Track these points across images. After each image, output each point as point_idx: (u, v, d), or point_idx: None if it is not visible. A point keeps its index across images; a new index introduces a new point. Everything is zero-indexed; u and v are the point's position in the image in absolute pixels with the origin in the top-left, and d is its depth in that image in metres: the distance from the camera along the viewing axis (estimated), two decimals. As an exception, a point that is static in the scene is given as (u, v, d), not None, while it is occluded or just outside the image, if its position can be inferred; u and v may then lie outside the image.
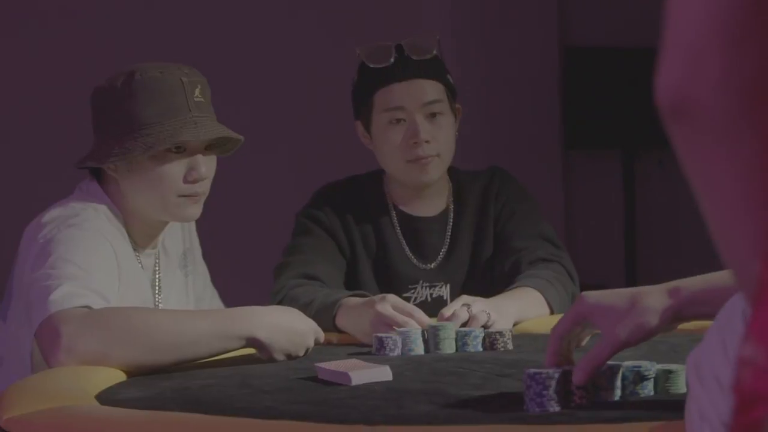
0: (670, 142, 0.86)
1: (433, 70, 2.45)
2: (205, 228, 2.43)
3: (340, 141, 4.73)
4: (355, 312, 2.17)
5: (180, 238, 2.34)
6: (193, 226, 2.38)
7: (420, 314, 2.10)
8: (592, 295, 1.56)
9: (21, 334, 2.05)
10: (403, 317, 2.08)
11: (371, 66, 2.44)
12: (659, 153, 5.35)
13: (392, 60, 2.42)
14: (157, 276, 2.27)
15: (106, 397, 1.69)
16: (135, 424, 1.47)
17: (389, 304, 2.11)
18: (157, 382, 1.82)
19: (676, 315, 1.52)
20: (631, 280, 5.34)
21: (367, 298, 2.19)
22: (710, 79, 0.82)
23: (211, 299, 2.44)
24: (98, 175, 2.21)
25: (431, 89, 2.44)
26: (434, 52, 2.44)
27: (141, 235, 2.22)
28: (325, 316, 2.20)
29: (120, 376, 1.85)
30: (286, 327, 1.97)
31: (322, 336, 2.05)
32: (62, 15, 4.54)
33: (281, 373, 1.86)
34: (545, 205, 2.65)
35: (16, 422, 1.53)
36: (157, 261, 2.27)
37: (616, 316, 1.52)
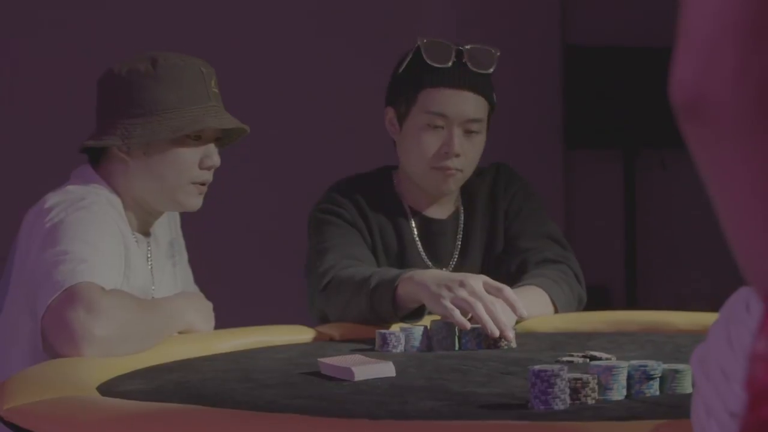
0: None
1: (484, 85, 2.39)
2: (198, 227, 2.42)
3: (331, 140, 4.72)
4: (430, 274, 2.13)
5: (167, 228, 2.34)
6: (177, 218, 2.38)
7: (508, 292, 2.07)
8: None
9: (20, 321, 2.03)
10: (462, 320, 2.02)
11: (428, 62, 2.36)
12: (660, 152, 5.34)
13: (449, 64, 2.37)
14: (149, 264, 2.27)
15: (108, 389, 1.68)
16: (136, 415, 1.46)
17: (481, 281, 2.07)
18: (159, 374, 1.81)
19: None
20: (631, 280, 5.34)
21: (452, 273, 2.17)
22: (726, 76, 0.81)
23: None
24: (94, 161, 2.21)
25: (477, 106, 2.38)
26: (492, 69, 2.39)
27: (138, 222, 2.22)
28: (387, 289, 2.15)
29: (121, 369, 1.84)
30: (204, 308, 2.17)
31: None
32: (59, 14, 4.52)
33: (283, 368, 1.85)
34: (546, 204, 2.63)
35: (16, 412, 1.52)
36: (149, 249, 2.27)
37: None
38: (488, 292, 2.06)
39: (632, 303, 5.18)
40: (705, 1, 0.82)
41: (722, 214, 0.85)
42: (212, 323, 2.17)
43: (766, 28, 0.80)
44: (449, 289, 2.05)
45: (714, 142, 0.82)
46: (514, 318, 2.13)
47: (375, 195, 2.47)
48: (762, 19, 0.80)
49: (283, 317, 2.34)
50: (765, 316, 0.75)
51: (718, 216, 0.86)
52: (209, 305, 2.19)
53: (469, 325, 2.02)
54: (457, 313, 2.02)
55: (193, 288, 2.43)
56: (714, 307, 2.24)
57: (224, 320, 2.26)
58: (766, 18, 0.80)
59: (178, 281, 2.36)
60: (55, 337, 1.87)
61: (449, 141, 2.37)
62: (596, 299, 4.44)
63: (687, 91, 0.82)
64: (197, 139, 2.17)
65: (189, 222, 2.40)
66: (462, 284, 2.05)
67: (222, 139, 2.25)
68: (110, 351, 1.86)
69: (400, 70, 2.42)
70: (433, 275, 2.12)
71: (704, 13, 0.82)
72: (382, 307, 2.15)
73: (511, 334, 2.03)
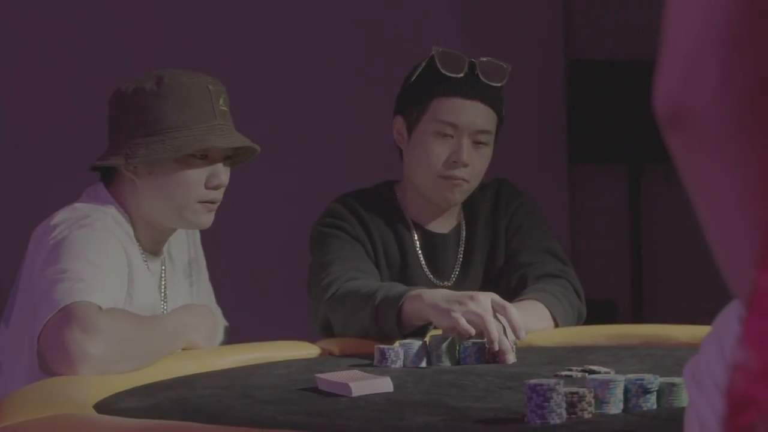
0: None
1: (495, 98, 2.41)
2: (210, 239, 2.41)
3: (335, 150, 4.73)
4: (440, 293, 2.13)
5: (185, 247, 2.34)
6: (197, 236, 2.37)
7: (512, 312, 2.06)
8: None
9: (23, 337, 2.03)
10: (468, 329, 2.03)
11: (442, 71, 2.37)
12: (665, 167, 5.34)
13: (462, 74, 2.37)
14: (162, 283, 2.27)
15: (105, 407, 1.68)
16: (132, 433, 1.46)
17: (489, 298, 2.07)
18: (156, 392, 1.81)
19: None
20: (637, 295, 5.33)
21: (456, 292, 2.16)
22: (708, 88, 0.81)
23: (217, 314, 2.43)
24: (107, 179, 2.21)
25: (486, 118, 2.39)
26: (503, 82, 2.40)
27: (148, 241, 2.22)
28: (392, 306, 2.15)
29: (119, 386, 1.84)
30: (207, 323, 2.14)
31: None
32: (74, 23, 4.53)
33: (281, 384, 1.84)
34: (550, 218, 2.61)
35: (13, 430, 1.52)
36: (163, 268, 2.26)
37: None
38: (493, 309, 2.07)
39: (638, 317, 5.16)
40: (688, 14, 0.83)
41: (705, 224, 0.85)
42: (216, 339, 2.16)
43: (748, 41, 0.80)
44: (460, 303, 2.07)
45: (697, 153, 0.82)
46: (513, 338, 2.13)
47: (377, 208, 2.47)
48: (744, 31, 0.80)
49: (298, 332, 2.33)
50: (745, 326, 0.75)
51: (703, 227, 0.86)
52: (214, 320, 2.17)
53: (473, 331, 2.03)
54: (462, 321, 2.04)
55: (214, 306, 2.42)
56: (718, 321, 2.24)
57: (241, 336, 2.26)
58: (748, 30, 0.80)
59: (194, 300, 2.35)
60: (51, 356, 1.86)
61: (458, 150, 2.37)
62: (602, 313, 4.43)
63: (670, 102, 0.83)
64: (204, 158, 2.16)
65: (204, 236, 2.39)
66: (472, 299, 2.07)
67: (233, 157, 2.23)
68: (106, 370, 1.85)
69: (412, 79, 2.43)
70: (443, 294, 2.13)
71: (687, 25, 0.83)
72: (386, 323, 2.15)
73: (510, 357, 2.03)
